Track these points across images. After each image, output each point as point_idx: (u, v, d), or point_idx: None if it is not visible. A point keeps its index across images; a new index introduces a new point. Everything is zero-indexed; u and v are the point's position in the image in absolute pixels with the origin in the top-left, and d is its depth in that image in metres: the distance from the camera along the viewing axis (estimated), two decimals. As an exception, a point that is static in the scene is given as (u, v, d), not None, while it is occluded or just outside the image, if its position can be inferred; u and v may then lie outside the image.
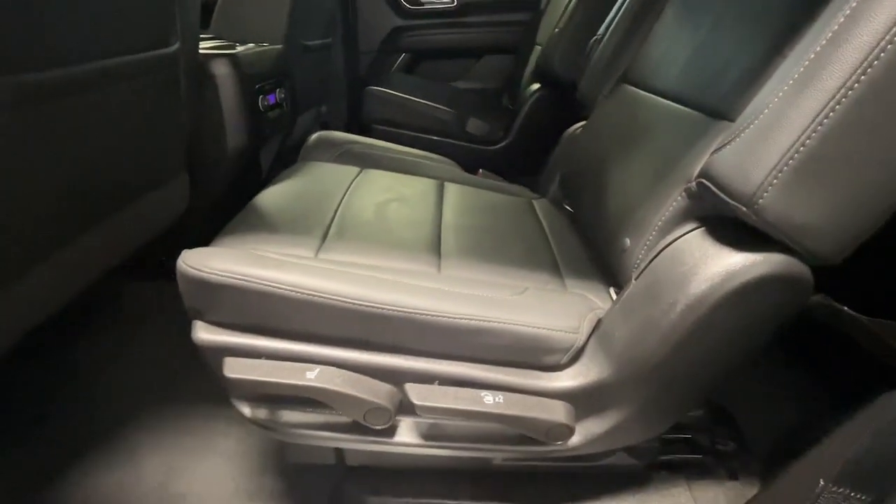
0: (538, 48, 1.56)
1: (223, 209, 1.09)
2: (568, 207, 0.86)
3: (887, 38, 0.35)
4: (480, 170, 1.00)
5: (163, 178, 0.84)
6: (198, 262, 0.49)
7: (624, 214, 0.60)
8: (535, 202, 0.90)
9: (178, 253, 0.52)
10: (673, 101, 0.62)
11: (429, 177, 0.89)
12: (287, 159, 1.42)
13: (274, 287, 0.48)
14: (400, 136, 1.47)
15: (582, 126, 0.91)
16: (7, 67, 0.46)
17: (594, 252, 0.71)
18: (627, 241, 0.57)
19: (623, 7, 0.90)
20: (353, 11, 1.82)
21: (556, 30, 1.30)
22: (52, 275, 0.61)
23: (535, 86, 1.42)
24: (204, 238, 0.60)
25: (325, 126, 1.76)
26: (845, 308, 0.49)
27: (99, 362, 0.92)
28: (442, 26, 1.93)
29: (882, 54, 0.35)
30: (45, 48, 0.51)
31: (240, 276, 0.48)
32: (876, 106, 0.37)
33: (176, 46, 0.75)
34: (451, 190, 0.85)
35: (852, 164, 0.40)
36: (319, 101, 1.65)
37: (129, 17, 0.65)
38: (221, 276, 0.48)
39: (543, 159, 1.07)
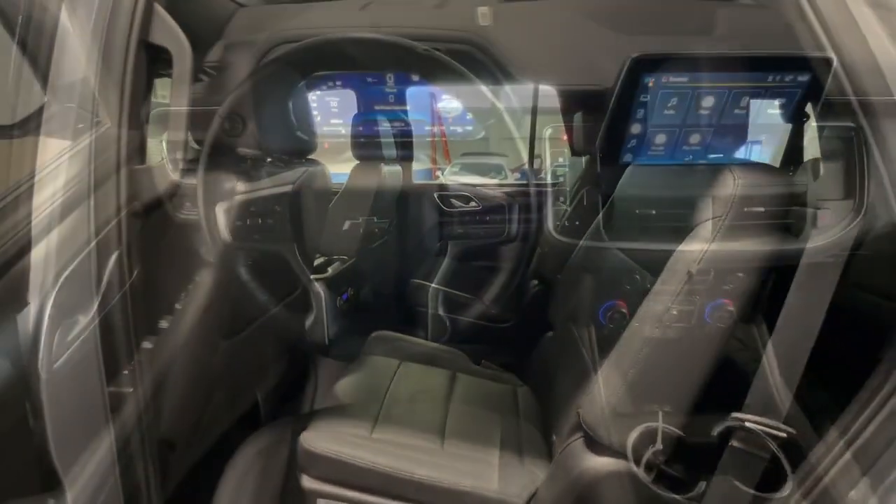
0: (538, 251, 2.10)
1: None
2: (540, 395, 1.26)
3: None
4: (483, 360, 1.42)
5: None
6: (311, 441, 0.92)
7: (553, 420, 1.00)
8: (518, 390, 1.30)
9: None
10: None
11: (445, 368, 1.33)
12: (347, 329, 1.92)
13: (351, 460, 0.90)
14: (433, 319, 1.97)
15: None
16: (228, 336, 0.97)
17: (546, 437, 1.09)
18: (554, 437, 0.96)
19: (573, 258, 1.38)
20: (403, 215, 2.50)
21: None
22: (212, 432, 1.07)
23: (535, 282, 1.91)
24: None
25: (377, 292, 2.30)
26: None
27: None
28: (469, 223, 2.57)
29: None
30: (245, 321, 1.02)
31: (334, 453, 0.90)
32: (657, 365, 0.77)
33: (299, 290, 1.30)
34: (460, 381, 1.28)
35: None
36: (372, 275, 2.22)
37: (274, 286, 1.19)
38: (323, 451, 0.91)
39: (535, 347, 1.49)
